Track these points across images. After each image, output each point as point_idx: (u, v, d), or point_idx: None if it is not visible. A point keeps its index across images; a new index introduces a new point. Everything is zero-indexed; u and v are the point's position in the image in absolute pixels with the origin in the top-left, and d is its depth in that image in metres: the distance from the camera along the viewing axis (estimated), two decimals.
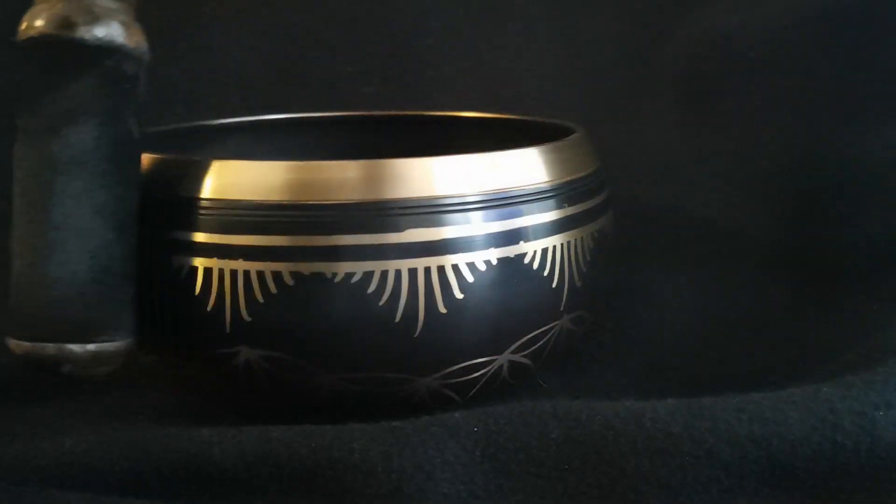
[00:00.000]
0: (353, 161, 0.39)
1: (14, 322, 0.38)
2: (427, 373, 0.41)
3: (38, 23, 0.38)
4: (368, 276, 0.39)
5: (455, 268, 0.39)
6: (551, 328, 0.43)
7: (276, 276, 0.39)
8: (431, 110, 0.58)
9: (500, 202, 0.40)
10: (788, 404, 0.36)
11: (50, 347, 0.38)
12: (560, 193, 0.42)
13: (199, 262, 0.39)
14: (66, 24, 0.38)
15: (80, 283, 0.38)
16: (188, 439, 0.36)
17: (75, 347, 0.38)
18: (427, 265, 0.39)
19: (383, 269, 0.39)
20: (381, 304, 0.39)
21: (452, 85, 0.65)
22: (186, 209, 0.40)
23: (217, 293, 0.39)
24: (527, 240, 0.41)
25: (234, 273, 0.39)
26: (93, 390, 0.49)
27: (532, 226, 0.41)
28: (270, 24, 0.66)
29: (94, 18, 0.38)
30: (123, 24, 0.38)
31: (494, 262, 0.40)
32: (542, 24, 0.66)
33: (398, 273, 0.39)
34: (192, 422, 0.41)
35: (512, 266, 0.40)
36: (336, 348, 0.39)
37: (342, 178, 0.39)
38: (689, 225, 0.58)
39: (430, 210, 0.39)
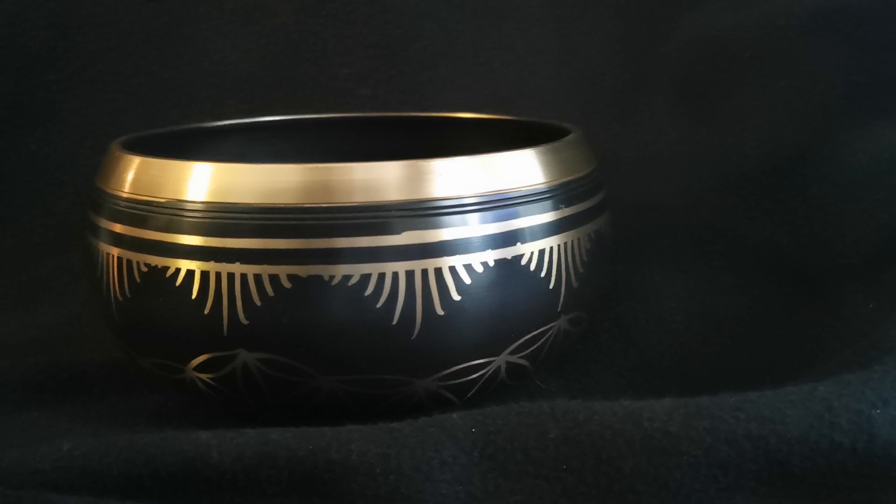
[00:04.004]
0: (349, 164, 0.39)
1: None
2: (425, 374, 0.41)
3: None
4: (366, 278, 0.39)
5: (452, 270, 0.39)
6: (549, 329, 0.43)
7: (274, 279, 0.39)
8: (428, 112, 0.58)
9: (497, 203, 0.40)
10: (785, 403, 0.36)
11: None
12: (557, 194, 0.42)
13: (196, 266, 0.39)
14: None
15: None
16: (186, 442, 0.36)
17: None
18: (424, 267, 0.39)
19: (380, 271, 0.39)
20: (378, 306, 0.39)
21: (449, 86, 0.65)
22: (183, 212, 0.40)
23: (214, 296, 0.39)
24: (524, 241, 0.41)
25: (230, 276, 0.39)
26: (91, 393, 0.49)
27: (529, 227, 0.41)
28: (267, 25, 0.66)
29: None
30: None
31: (491, 263, 0.40)
32: (539, 24, 0.66)
33: (395, 275, 0.39)
34: (190, 424, 0.41)
35: (509, 267, 0.40)
36: (334, 351, 0.39)
37: (339, 180, 0.39)
38: (686, 225, 0.58)
39: (427, 212, 0.39)
